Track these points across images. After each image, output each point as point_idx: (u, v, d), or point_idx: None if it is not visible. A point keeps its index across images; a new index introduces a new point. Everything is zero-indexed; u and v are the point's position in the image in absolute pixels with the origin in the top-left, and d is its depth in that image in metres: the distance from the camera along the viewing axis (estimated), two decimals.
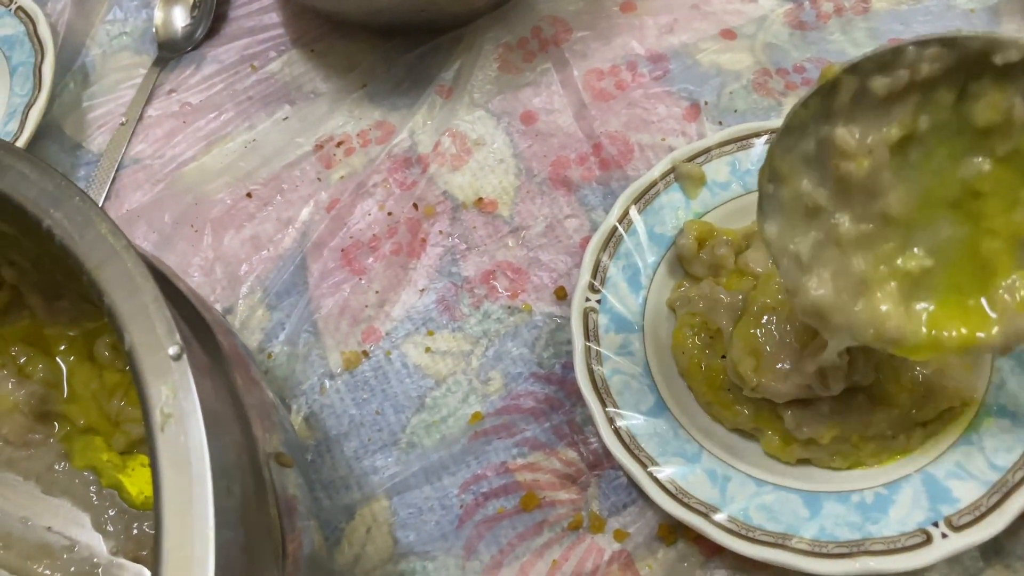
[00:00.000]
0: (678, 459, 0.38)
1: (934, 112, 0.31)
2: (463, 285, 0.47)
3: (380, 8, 0.54)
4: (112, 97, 0.58)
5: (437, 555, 0.40)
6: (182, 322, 0.27)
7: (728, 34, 0.53)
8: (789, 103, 0.50)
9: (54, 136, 0.56)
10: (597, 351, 0.40)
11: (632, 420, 0.39)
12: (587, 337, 0.41)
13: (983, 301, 0.32)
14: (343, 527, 0.41)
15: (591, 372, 0.40)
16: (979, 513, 0.35)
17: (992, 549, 0.36)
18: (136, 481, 0.41)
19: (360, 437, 0.43)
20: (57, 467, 0.42)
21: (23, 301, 0.42)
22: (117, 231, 0.28)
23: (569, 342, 0.44)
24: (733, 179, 0.44)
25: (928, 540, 0.34)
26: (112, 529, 0.40)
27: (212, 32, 0.59)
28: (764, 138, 0.44)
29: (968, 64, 0.29)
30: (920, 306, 0.32)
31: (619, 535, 0.39)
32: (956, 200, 0.31)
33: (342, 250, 0.49)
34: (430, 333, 0.46)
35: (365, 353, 0.45)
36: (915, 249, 0.32)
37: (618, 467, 0.40)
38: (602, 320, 0.41)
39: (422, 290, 0.47)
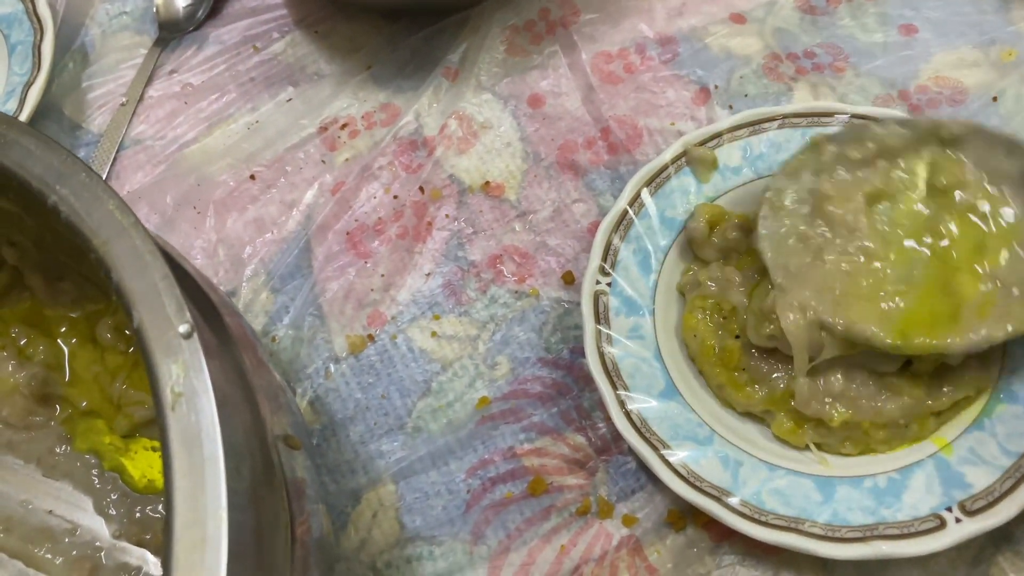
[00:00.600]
0: (690, 443, 0.37)
1: (903, 175, 0.39)
2: (469, 269, 0.46)
3: None
4: (112, 77, 0.57)
5: (444, 540, 0.39)
6: (190, 302, 0.26)
7: (738, 18, 0.52)
8: (799, 88, 0.49)
9: (53, 116, 0.55)
10: (608, 334, 0.40)
11: (643, 403, 0.38)
12: (597, 320, 0.40)
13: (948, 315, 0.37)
14: (349, 512, 0.41)
15: (602, 355, 0.39)
16: (993, 498, 0.34)
17: (1002, 536, 0.36)
18: (139, 464, 0.41)
19: (366, 421, 0.43)
20: (58, 450, 0.41)
21: (24, 282, 0.42)
22: (125, 207, 0.28)
23: (577, 327, 0.44)
24: (745, 164, 0.44)
25: (942, 525, 0.34)
26: (114, 513, 0.40)
27: (214, 12, 0.59)
28: (777, 123, 0.44)
29: (922, 138, 0.39)
30: (893, 315, 0.37)
31: (628, 520, 0.39)
32: (926, 244, 0.38)
33: (347, 233, 0.48)
34: (436, 317, 0.45)
35: (371, 337, 0.45)
36: (893, 277, 0.38)
37: (626, 452, 0.40)
38: (612, 303, 0.41)
39: (428, 274, 0.46)
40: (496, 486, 0.40)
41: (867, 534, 0.34)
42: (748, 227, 0.42)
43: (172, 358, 0.25)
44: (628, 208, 0.43)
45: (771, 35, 0.51)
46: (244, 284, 0.47)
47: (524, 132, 0.50)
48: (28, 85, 0.53)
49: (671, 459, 0.37)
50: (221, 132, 0.53)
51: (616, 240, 0.42)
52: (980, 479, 0.35)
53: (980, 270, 0.37)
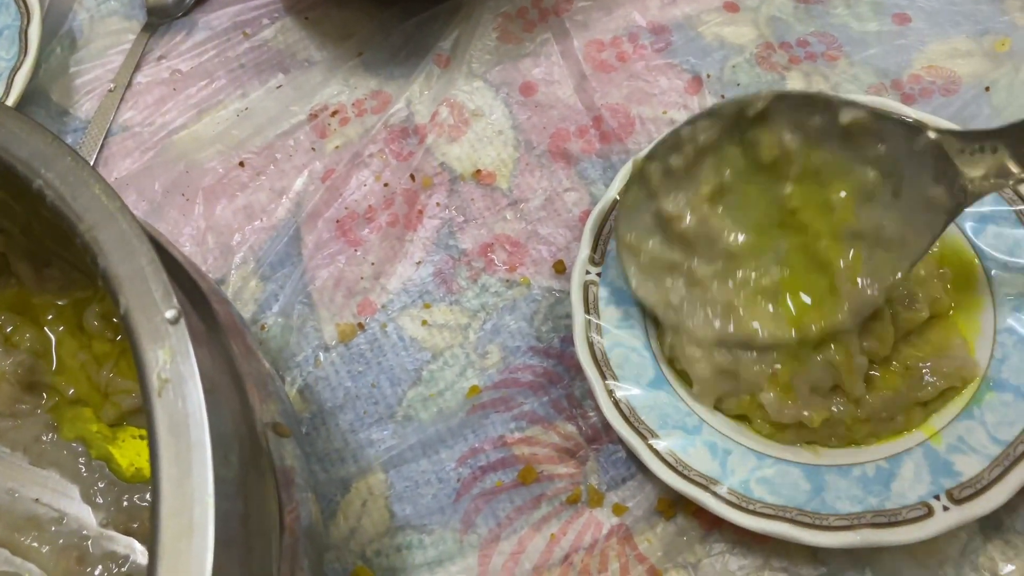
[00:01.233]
0: (678, 432, 0.37)
1: (731, 164, 0.38)
2: (461, 258, 0.46)
3: None
4: (100, 63, 0.56)
5: (434, 528, 0.39)
6: (177, 289, 0.26)
7: (731, 7, 0.52)
8: (793, 77, 0.49)
9: (40, 102, 0.55)
10: (597, 324, 0.40)
11: (632, 392, 0.38)
12: (587, 310, 0.40)
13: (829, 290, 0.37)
14: (338, 500, 0.40)
15: (591, 345, 0.39)
16: (981, 486, 0.34)
17: (991, 524, 0.36)
18: (126, 453, 0.41)
19: (356, 410, 0.43)
20: (45, 438, 0.41)
21: (10, 269, 0.41)
22: (111, 192, 0.28)
23: (568, 316, 0.43)
24: None
25: (930, 513, 0.34)
26: (102, 501, 0.40)
27: None
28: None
29: (735, 121, 0.37)
30: (782, 311, 0.38)
31: (618, 509, 0.39)
32: (781, 220, 0.38)
33: (337, 221, 0.48)
34: (427, 306, 0.45)
35: (360, 326, 0.45)
36: (765, 268, 0.38)
37: (617, 441, 0.40)
38: (602, 293, 0.41)
39: (419, 262, 0.46)
40: (487, 475, 0.40)
41: (855, 522, 0.34)
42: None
43: (159, 344, 0.25)
44: (619, 197, 0.43)
45: (765, 24, 0.51)
46: (233, 272, 0.47)
47: (516, 120, 0.50)
48: (15, 70, 0.52)
49: (659, 448, 0.37)
50: (210, 119, 0.53)
51: (606, 230, 0.42)
52: (968, 467, 0.35)
53: (837, 232, 0.37)
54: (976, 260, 0.39)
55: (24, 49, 0.53)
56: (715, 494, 0.36)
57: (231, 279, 0.47)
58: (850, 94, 0.44)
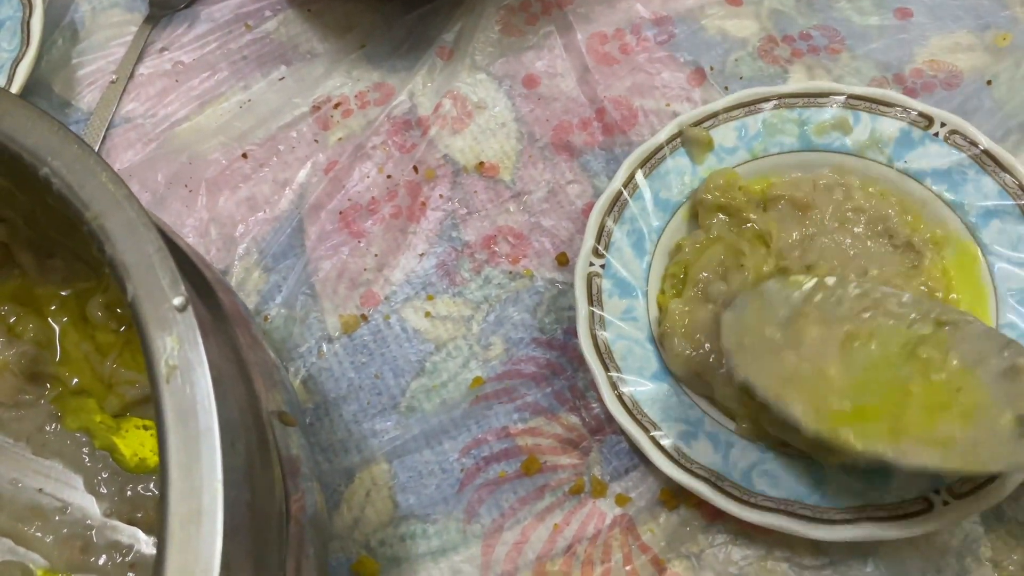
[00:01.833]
0: (681, 425, 0.37)
1: (889, 329, 0.36)
2: (464, 250, 0.46)
3: None
4: (102, 55, 0.56)
5: (438, 518, 0.39)
6: (183, 278, 0.26)
7: (734, 0, 0.52)
8: (795, 70, 0.49)
9: (42, 93, 0.55)
10: (600, 316, 0.40)
11: (635, 385, 0.38)
12: (590, 302, 0.40)
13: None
14: (342, 490, 0.41)
15: (594, 337, 0.39)
16: (979, 481, 0.35)
17: (994, 515, 0.36)
18: (130, 443, 0.41)
19: (359, 401, 0.43)
20: (48, 428, 0.41)
21: (14, 259, 0.41)
22: (118, 180, 0.28)
23: (571, 308, 0.44)
24: (740, 144, 0.43)
25: (929, 507, 0.34)
26: (105, 491, 0.40)
27: None
28: (772, 103, 0.44)
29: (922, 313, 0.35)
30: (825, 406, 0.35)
31: (621, 500, 0.39)
32: (887, 371, 0.36)
33: (340, 212, 0.48)
34: (430, 298, 0.45)
35: (364, 317, 0.45)
36: (841, 382, 0.35)
37: (620, 432, 0.40)
38: (606, 285, 0.41)
39: (422, 254, 0.46)
40: (490, 465, 0.40)
41: (856, 516, 0.35)
42: (755, 196, 0.42)
43: (167, 331, 0.25)
44: (622, 189, 0.43)
45: (767, 17, 0.51)
46: (236, 263, 0.47)
47: (519, 112, 0.50)
48: (17, 62, 0.52)
49: (662, 441, 0.37)
50: (213, 110, 0.53)
51: (610, 222, 0.42)
52: None
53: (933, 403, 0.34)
54: (980, 254, 0.39)
55: (26, 40, 0.53)
56: (717, 487, 0.36)
57: (234, 270, 0.47)
58: (853, 87, 0.44)
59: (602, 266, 0.41)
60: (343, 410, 0.42)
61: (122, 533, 0.39)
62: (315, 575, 0.33)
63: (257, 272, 0.47)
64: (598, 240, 0.42)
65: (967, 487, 0.35)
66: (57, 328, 0.42)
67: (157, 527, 0.23)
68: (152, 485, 0.40)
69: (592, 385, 0.41)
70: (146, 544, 0.39)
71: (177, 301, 0.25)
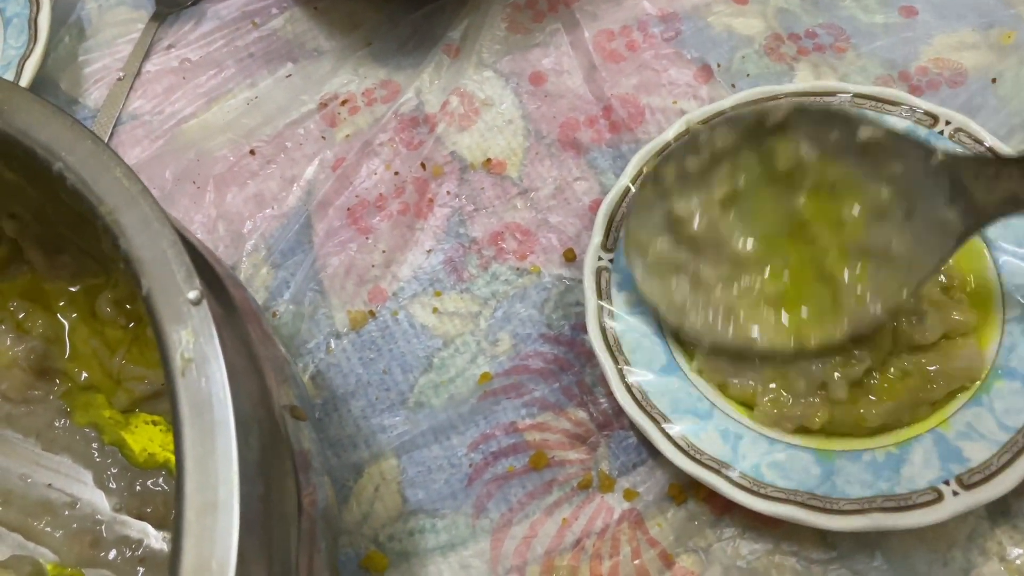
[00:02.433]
0: (690, 416, 0.38)
1: (746, 171, 0.38)
2: (471, 246, 0.46)
3: None
4: (109, 52, 0.57)
5: (447, 513, 0.39)
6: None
7: None
8: (801, 68, 0.49)
9: (49, 91, 0.55)
10: (610, 309, 0.40)
11: (644, 377, 0.39)
12: (599, 295, 0.41)
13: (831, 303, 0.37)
14: (351, 485, 0.41)
15: (603, 330, 0.40)
16: (989, 472, 0.35)
17: (999, 510, 0.36)
18: (139, 438, 0.41)
19: (367, 396, 0.43)
20: (57, 424, 0.41)
21: (23, 256, 0.41)
22: (132, 175, 0.28)
23: (578, 304, 0.44)
24: None
25: (939, 498, 0.35)
26: (115, 486, 0.40)
27: None
28: (781, 102, 0.44)
29: (754, 129, 0.38)
30: (784, 320, 0.38)
31: (629, 494, 0.39)
32: (791, 231, 0.38)
33: (348, 209, 0.48)
34: (437, 294, 0.45)
35: (372, 313, 0.45)
36: (770, 277, 0.38)
37: (627, 427, 0.40)
38: (614, 279, 0.41)
39: (429, 250, 0.46)
40: (498, 460, 0.40)
41: (865, 506, 0.35)
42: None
43: (181, 324, 0.25)
44: (631, 185, 0.43)
45: (773, 15, 0.51)
46: (244, 259, 0.47)
47: (526, 110, 0.50)
48: (24, 59, 0.52)
49: (671, 432, 0.37)
50: (220, 107, 0.53)
51: (619, 216, 0.42)
52: (977, 453, 0.35)
53: (845, 247, 0.37)
54: (985, 249, 0.40)
55: (33, 38, 0.53)
56: (727, 478, 0.36)
57: (242, 266, 0.47)
58: (858, 85, 0.45)
59: (611, 260, 0.42)
60: (351, 406, 0.43)
61: (132, 528, 0.39)
62: (326, 569, 0.33)
63: (265, 268, 0.47)
64: (607, 235, 0.42)
65: (976, 478, 0.35)
66: (66, 324, 0.42)
67: (173, 519, 0.23)
68: (162, 480, 0.40)
69: (600, 380, 0.41)
70: (156, 539, 0.39)
71: (192, 295, 0.25)
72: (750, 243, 0.39)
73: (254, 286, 0.46)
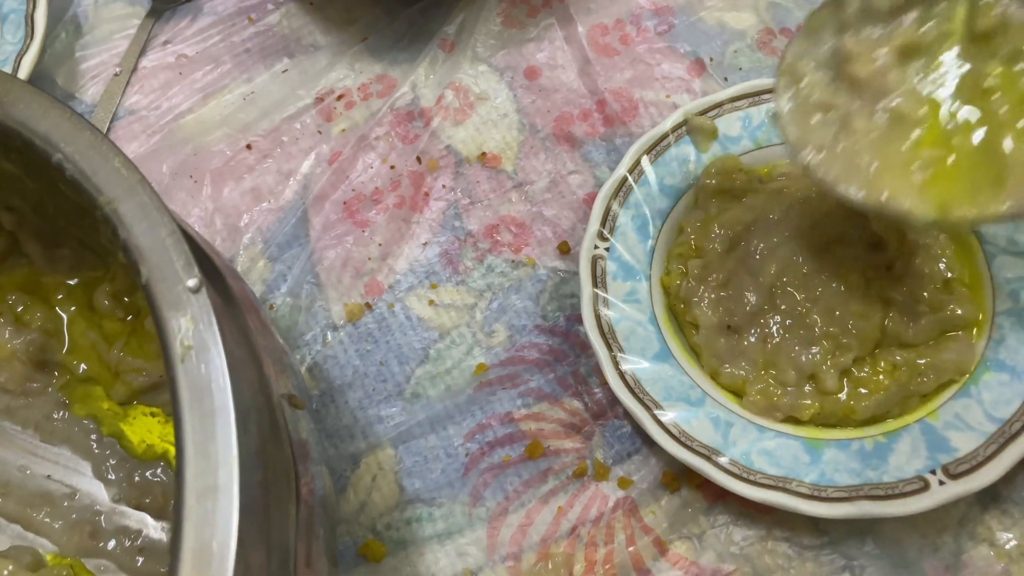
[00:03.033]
0: (682, 404, 0.38)
1: (940, 22, 0.34)
2: (466, 239, 0.47)
3: None
4: (105, 48, 0.57)
5: (443, 502, 0.40)
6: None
7: None
8: None
9: (46, 86, 0.55)
10: (604, 297, 0.41)
11: (637, 365, 0.39)
12: (595, 284, 0.41)
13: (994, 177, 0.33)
14: (348, 475, 0.41)
15: (598, 317, 0.40)
16: (976, 462, 0.35)
17: (989, 496, 0.37)
18: (137, 430, 0.41)
19: (364, 387, 0.43)
20: (56, 416, 0.41)
21: (21, 249, 0.42)
22: (131, 165, 0.28)
23: (573, 295, 0.44)
24: (744, 134, 0.44)
25: (926, 487, 0.35)
26: (113, 477, 0.40)
27: None
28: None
29: None
30: (932, 189, 0.33)
31: (623, 483, 0.39)
32: (970, 99, 0.33)
33: (344, 203, 0.48)
34: (433, 286, 0.46)
35: (368, 305, 0.45)
36: (932, 142, 0.33)
37: (622, 417, 0.41)
38: (610, 267, 0.42)
39: (425, 243, 0.47)
40: (494, 450, 0.41)
41: (853, 494, 0.35)
42: (757, 176, 0.43)
43: (181, 312, 0.25)
44: (628, 175, 0.43)
45: (765, 10, 0.52)
46: (241, 252, 0.48)
47: (520, 104, 0.50)
48: (21, 55, 0.53)
49: (663, 419, 0.38)
50: (216, 103, 0.53)
51: (615, 206, 0.43)
52: (965, 444, 0.36)
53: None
54: (977, 243, 0.40)
55: (30, 33, 0.53)
56: (717, 464, 0.36)
57: (240, 259, 0.47)
58: None
59: (607, 249, 0.42)
60: (348, 397, 0.43)
61: (130, 518, 0.40)
62: (324, 557, 0.34)
63: (262, 261, 0.47)
64: (603, 224, 0.43)
65: (962, 468, 0.35)
66: (65, 317, 0.42)
67: (173, 503, 0.23)
68: (160, 471, 0.40)
69: (595, 370, 0.42)
70: (155, 529, 0.39)
71: (191, 283, 0.26)
72: (918, 103, 0.34)
73: (251, 279, 0.47)
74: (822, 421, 0.38)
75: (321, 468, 0.36)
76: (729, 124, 0.44)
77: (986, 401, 0.37)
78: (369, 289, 0.46)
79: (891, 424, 0.37)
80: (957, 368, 0.38)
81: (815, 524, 0.37)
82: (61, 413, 0.42)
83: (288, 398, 0.32)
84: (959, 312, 0.38)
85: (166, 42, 0.56)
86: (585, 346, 0.42)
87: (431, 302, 0.45)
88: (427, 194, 0.48)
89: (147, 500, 0.40)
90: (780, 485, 0.36)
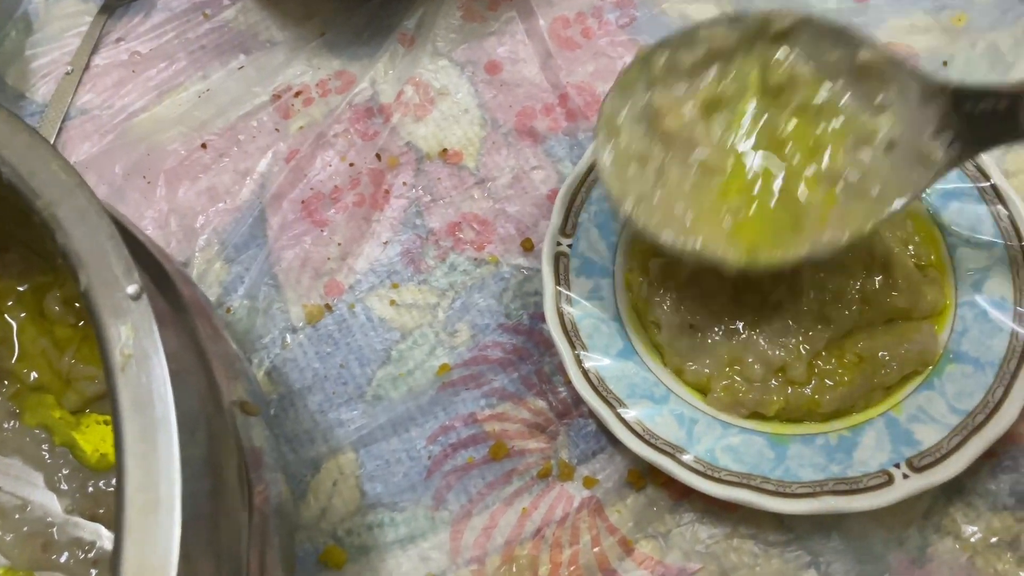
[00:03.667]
0: (646, 401, 0.38)
1: (738, 77, 0.37)
2: (428, 237, 0.46)
3: None
4: (56, 46, 0.55)
5: (406, 506, 0.39)
6: (142, 270, 0.26)
7: None
8: None
9: None
10: (567, 295, 0.40)
11: (601, 362, 0.39)
12: (557, 281, 0.40)
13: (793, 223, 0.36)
14: (308, 481, 0.40)
15: (561, 315, 0.40)
16: (940, 455, 0.35)
17: (953, 488, 0.37)
18: (90, 439, 0.40)
19: (324, 391, 0.42)
20: (7, 425, 0.40)
21: None
22: (70, 168, 0.27)
23: (536, 293, 0.44)
24: None
25: (890, 480, 0.35)
26: (66, 488, 0.39)
27: None
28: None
29: (753, 35, 0.36)
30: (740, 234, 0.36)
31: (588, 482, 0.39)
32: (768, 146, 0.37)
33: (302, 202, 0.47)
34: (395, 286, 0.45)
35: (328, 307, 0.45)
36: (736, 189, 0.36)
37: (587, 415, 0.40)
38: (573, 264, 0.41)
39: (386, 242, 0.46)
40: (457, 452, 0.40)
41: (817, 490, 0.35)
42: None
43: (121, 319, 0.24)
44: (591, 170, 0.43)
45: (728, 1, 0.51)
46: (197, 254, 0.47)
47: (482, 99, 0.50)
48: None
49: (627, 417, 0.37)
50: (171, 101, 0.52)
51: (578, 202, 0.42)
52: (928, 436, 0.36)
53: (818, 172, 0.35)
54: (940, 236, 0.40)
55: None
56: (681, 462, 0.36)
57: (195, 262, 0.46)
58: None
59: (569, 246, 0.41)
60: (308, 400, 0.42)
61: (84, 530, 0.39)
62: (280, 565, 0.33)
63: (219, 263, 0.46)
64: (566, 220, 0.42)
65: (926, 461, 0.35)
66: (14, 324, 0.41)
67: (115, 517, 0.22)
68: (115, 480, 0.39)
69: (559, 369, 0.41)
70: (108, 540, 0.38)
71: (131, 289, 0.25)
72: (724, 153, 0.37)
73: (207, 281, 0.46)
74: (787, 416, 0.38)
75: (277, 475, 0.35)
76: None
77: (949, 393, 0.37)
78: (329, 290, 0.45)
79: (856, 418, 0.37)
80: (921, 359, 0.37)
81: (780, 520, 0.37)
82: (11, 423, 0.40)
83: (240, 404, 0.32)
84: (929, 297, 0.38)
85: (119, 39, 0.55)
86: (549, 344, 0.42)
87: (392, 302, 0.44)
88: (387, 192, 0.47)
89: (101, 511, 0.39)
90: (745, 482, 0.35)
